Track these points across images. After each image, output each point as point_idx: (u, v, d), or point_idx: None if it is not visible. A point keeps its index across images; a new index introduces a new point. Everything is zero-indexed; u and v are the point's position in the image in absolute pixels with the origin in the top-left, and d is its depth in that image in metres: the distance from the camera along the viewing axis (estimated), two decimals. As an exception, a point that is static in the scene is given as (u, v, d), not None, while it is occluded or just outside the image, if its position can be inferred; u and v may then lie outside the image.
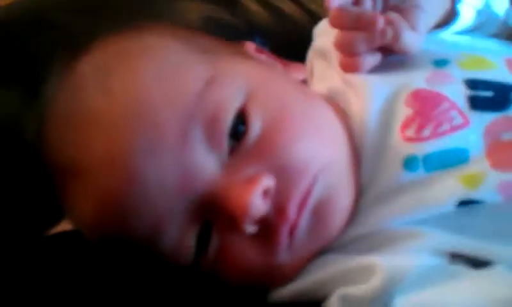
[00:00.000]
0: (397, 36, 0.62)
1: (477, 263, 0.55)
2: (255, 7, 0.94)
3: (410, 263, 0.54)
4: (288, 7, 0.86)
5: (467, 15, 0.69)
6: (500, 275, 0.52)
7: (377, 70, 0.64)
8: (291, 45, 0.75)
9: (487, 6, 0.70)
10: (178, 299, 0.56)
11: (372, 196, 0.59)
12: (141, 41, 0.60)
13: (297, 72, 0.68)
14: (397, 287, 0.53)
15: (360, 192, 0.59)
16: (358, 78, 0.63)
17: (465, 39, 0.70)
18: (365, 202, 0.59)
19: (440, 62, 0.64)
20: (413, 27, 0.63)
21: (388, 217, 0.57)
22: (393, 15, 0.62)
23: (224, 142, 0.55)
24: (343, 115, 0.62)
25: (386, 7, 0.64)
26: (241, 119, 0.56)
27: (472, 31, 0.71)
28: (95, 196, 0.56)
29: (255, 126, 0.56)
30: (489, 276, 0.53)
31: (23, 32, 0.81)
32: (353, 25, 0.62)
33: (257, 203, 0.53)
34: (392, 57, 0.64)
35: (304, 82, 0.69)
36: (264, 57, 0.68)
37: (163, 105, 0.54)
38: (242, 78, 0.58)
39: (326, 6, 0.61)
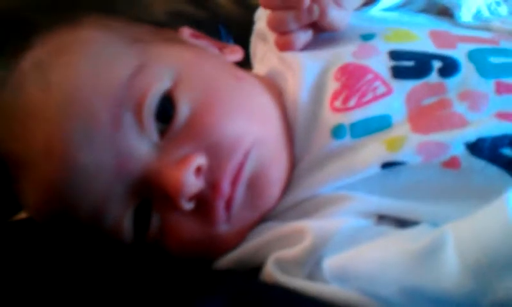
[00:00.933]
0: (323, 13, 0.65)
1: (405, 224, 0.58)
2: (223, 1, 0.98)
3: (338, 225, 0.58)
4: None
5: None
6: (421, 233, 0.55)
7: (309, 47, 0.68)
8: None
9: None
10: (127, 268, 0.60)
11: (304, 166, 0.63)
12: (75, 35, 0.63)
13: (232, 54, 0.71)
14: (325, 248, 0.57)
15: (294, 163, 0.63)
16: (291, 57, 0.67)
17: (393, 15, 0.74)
18: (298, 172, 0.63)
19: (367, 37, 0.68)
20: (339, 5, 0.66)
21: (319, 183, 0.61)
22: None
23: (152, 125, 0.58)
24: (280, 93, 0.66)
25: None
26: (169, 103, 0.59)
27: (402, 6, 0.75)
28: (38, 185, 0.59)
29: (183, 109, 0.59)
30: (410, 234, 0.56)
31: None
32: (282, 4, 0.66)
33: (190, 182, 0.57)
34: (322, 34, 0.68)
35: (241, 63, 0.72)
36: (199, 41, 0.71)
37: (94, 95, 0.58)
38: (170, 63, 0.61)
39: None
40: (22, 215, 0.71)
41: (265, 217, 0.62)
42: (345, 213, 0.59)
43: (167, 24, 0.97)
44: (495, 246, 0.48)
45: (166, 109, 0.59)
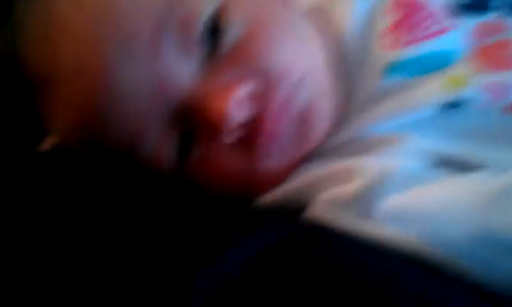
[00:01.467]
0: None
1: (465, 168, 0.54)
2: None
3: (394, 164, 0.54)
4: None
5: None
6: (491, 175, 0.51)
7: None
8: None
9: None
10: (161, 204, 0.56)
11: (355, 103, 0.58)
12: None
13: None
14: (381, 188, 0.52)
15: (343, 100, 0.59)
16: None
17: None
18: (347, 109, 0.59)
19: None
20: None
21: (371, 121, 0.57)
22: None
23: (198, 45, 0.54)
24: (327, 25, 0.61)
25: None
26: (218, 22, 0.54)
27: None
28: (73, 103, 0.55)
29: (233, 30, 0.55)
30: (479, 176, 0.52)
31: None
32: None
33: (234, 112, 0.52)
34: None
35: None
36: None
37: (133, 12, 0.53)
38: None
39: None
40: (46, 145, 0.66)
41: (310, 156, 0.58)
42: (401, 153, 0.55)
43: None
44: None
45: (213, 29, 0.54)
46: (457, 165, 0.55)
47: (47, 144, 0.66)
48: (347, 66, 0.59)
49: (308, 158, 0.58)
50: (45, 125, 0.62)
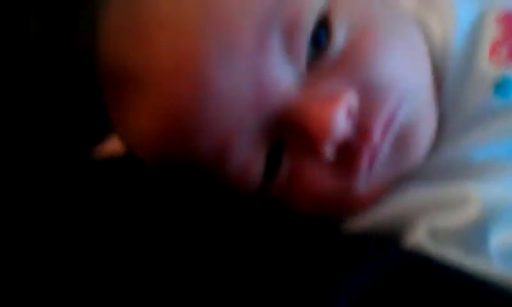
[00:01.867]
0: None
1: None
2: None
3: (507, 194, 0.49)
4: None
5: None
6: None
7: None
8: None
9: None
10: (242, 226, 0.51)
11: (457, 123, 0.54)
12: None
13: None
14: (494, 220, 0.48)
15: (442, 119, 0.54)
16: None
17: None
18: (448, 129, 0.54)
19: None
20: None
21: (477, 144, 0.53)
22: None
23: (304, 50, 0.49)
24: (425, 35, 0.56)
25: None
26: (324, 27, 0.50)
27: None
28: (159, 108, 0.50)
29: (339, 35, 0.50)
30: None
31: None
32: None
33: (340, 123, 0.48)
34: None
35: None
36: None
37: (239, 9, 0.48)
38: None
39: None
40: (109, 146, 0.61)
41: (405, 178, 0.53)
42: (509, 183, 0.50)
43: None
44: None
45: (319, 34, 0.49)
46: None
47: (106, 149, 0.62)
48: (448, 82, 0.54)
49: (403, 180, 0.53)
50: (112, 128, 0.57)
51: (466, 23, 0.55)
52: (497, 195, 0.49)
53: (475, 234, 0.48)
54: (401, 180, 0.53)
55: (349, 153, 0.50)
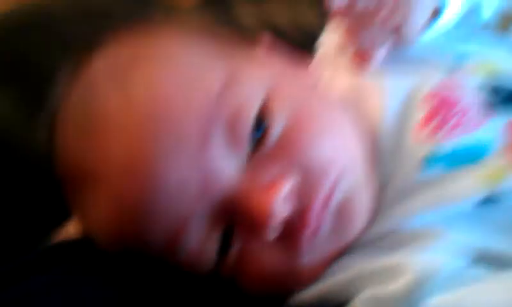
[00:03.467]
0: (406, 17, 0.61)
1: (505, 264, 0.54)
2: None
3: (437, 262, 0.53)
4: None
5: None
6: None
7: (392, 67, 0.64)
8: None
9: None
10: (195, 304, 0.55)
11: (391, 195, 0.58)
12: (157, 42, 0.58)
13: (309, 72, 0.66)
14: (425, 287, 0.52)
15: (379, 192, 0.59)
16: (370, 77, 0.63)
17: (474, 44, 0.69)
18: (384, 201, 0.58)
19: (457, 61, 0.63)
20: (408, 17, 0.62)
21: (408, 214, 0.57)
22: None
23: (246, 142, 0.54)
24: (360, 116, 0.61)
25: None
26: (263, 118, 0.54)
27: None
28: (113, 203, 0.54)
29: (277, 126, 0.55)
30: None
31: (20, 38, 0.80)
32: (359, 15, 0.62)
33: (279, 209, 0.52)
34: (406, 53, 0.64)
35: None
36: (279, 54, 0.66)
37: (184, 108, 0.53)
38: (260, 76, 0.57)
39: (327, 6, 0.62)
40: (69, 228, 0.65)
41: (346, 250, 0.57)
42: (441, 249, 0.54)
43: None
44: None
45: (259, 125, 0.54)
46: (496, 261, 0.54)
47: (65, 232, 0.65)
48: (381, 157, 0.59)
49: (344, 251, 0.57)
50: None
51: (398, 100, 0.60)
52: (425, 264, 0.53)
53: (410, 301, 0.51)
54: (344, 251, 0.57)
55: (291, 233, 0.54)
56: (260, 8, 0.93)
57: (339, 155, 0.56)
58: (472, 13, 0.69)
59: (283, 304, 0.57)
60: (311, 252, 0.55)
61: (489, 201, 0.55)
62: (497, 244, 0.55)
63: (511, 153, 0.56)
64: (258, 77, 0.57)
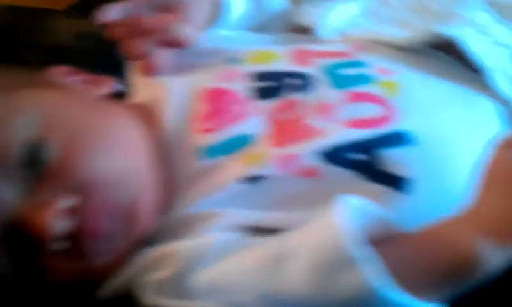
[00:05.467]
0: (183, 20, 0.70)
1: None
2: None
3: (207, 242, 0.61)
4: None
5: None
6: (271, 241, 0.59)
7: (174, 71, 0.71)
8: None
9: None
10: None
11: (175, 188, 0.66)
12: None
13: (103, 87, 0.73)
14: (192, 267, 0.60)
15: (169, 184, 0.66)
16: (158, 81, 0.71)
17: (250, 36, 0.79)
18: (170, 194, 0.66)
19: (229, 60, 0.72)
20: (186, 20, 0.70)
21: (190, 202, 0.64)
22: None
23: (18, 171, 0.60)
24: (150, 119, 0.69)
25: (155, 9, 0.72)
26: (36, 148, 0.61)
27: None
28: None
29: (51, 153, 0.61)
30: (268, 241, 0.60)
31: None
32: (128, 30, 0.70)
33: (54, 223, 0.59)
34: (186, 57, 0.72)
35: (115, 95, 0.75)
36: (71, 79, 0.73)
37: None
38: (36, 109, 0.63)
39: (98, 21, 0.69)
40: None
41: (145, 241, 0.65)
42: (217, 229, 0.62)
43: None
44: (324, 250, 0.54)
45: (33, 155, 0.61)
46: (267, 234, 0.62)
47: None
48: (168, 153, 0.66)
49: (140, 244, 0.65)
50: None
51: (178, 101, 0.68)
52: (194, 246, 0.61)
53: (179, 283, 0.60)
54: (140, 244, 0.65)
55: (77, 242, 0.61)
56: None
57: (118, 165, 0.63)
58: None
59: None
60: (99, 254, 0.62)
61: (254, 181, 0.63)
62: (265, 218, 0.63)
63: (271, 137, 0.64)
64: (32, 109, 0.63)
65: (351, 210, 0.55)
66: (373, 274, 0.51)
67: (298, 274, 0.54)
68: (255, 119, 0.66)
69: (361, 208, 0.55)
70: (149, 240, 0.65)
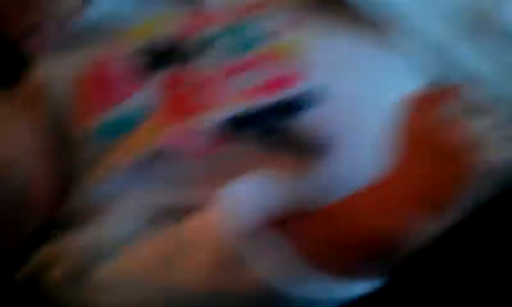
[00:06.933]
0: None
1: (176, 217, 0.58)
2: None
3: (108, 232, 0.58)
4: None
5: None
6: (167, 231, 0.57)
7: (61, 49, 0.65)
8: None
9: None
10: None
11: (74, 176, 0.62)
12: None
13: None
14: (90, 262, 0.57)
15: (65, 175, 0.63)
16: (44, 62, 0.65)
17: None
18: (69, 183, 0.62)
19: (115, 35, 0.65)
20: None
21: (87, 189, 0.61)
22: None
23: None
24: (36, 104, 0.64)
25: None
26: None
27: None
28: None
29: None
30: (160, 233, 0.57)
31: None
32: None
33: None
34: (71, 34, 0.66)
35: None
36: None
37: None
38: None
39: None
40: None
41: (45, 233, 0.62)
42: (113, 219, 0.59)
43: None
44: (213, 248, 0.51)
45: None
46: (171, 214, 0.58)
47: None
48: (61, 141, 0.63)
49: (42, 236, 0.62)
50: None
51: (61, 83, 0.63)
52: (91, 239, 0.58)
53: (77, 278, 0.57)
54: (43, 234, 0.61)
55: None
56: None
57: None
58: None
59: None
60: None
61: (152, 159, 0.59)
62: (168, 197, 0.59)
63: (164, 111, 0.60)
64: None
65: (239, 200, 0.52)
66: (266, 271, 0.49)
67: (190, 272, 0.52)
68: (144, 94, 0.61)
69: (254, 194, 0.53)
70: (51, 232, 0.62)
